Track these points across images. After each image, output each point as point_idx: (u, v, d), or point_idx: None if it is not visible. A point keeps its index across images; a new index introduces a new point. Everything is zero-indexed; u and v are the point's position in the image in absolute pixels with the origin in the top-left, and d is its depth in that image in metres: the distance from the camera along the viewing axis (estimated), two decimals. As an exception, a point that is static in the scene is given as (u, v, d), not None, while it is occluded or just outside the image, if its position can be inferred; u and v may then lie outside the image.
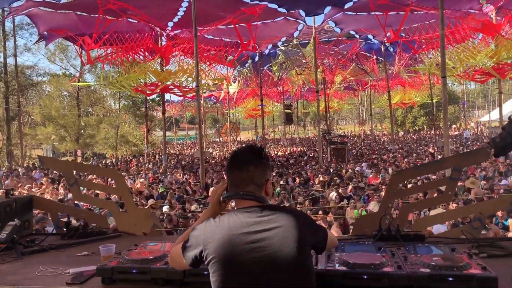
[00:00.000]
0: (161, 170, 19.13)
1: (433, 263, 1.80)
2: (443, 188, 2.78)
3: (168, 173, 17.76)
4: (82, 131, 32.26)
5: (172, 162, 23.79)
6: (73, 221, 3.37)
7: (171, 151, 34.63)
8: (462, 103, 47.41)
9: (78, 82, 28.91)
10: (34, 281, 2.14)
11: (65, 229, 2.98)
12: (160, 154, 26.60)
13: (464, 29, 18.55)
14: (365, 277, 1.78)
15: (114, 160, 28.33)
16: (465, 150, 21.71)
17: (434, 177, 9.48)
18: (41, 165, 18.21)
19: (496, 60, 16.60)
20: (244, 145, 1.72)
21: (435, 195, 6.77)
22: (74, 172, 3.26)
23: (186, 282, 1.96)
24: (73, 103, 33.03)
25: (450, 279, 1.72)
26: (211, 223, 1.58)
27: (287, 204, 9.93)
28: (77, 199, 3.45)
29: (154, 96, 30.75)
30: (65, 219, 3.03)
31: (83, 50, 19.16)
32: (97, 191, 8.76)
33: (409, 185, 8.82)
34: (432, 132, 36.18)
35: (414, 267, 1.81)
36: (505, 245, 2.33)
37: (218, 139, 49.55)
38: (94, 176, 12.21)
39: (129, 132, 36.73)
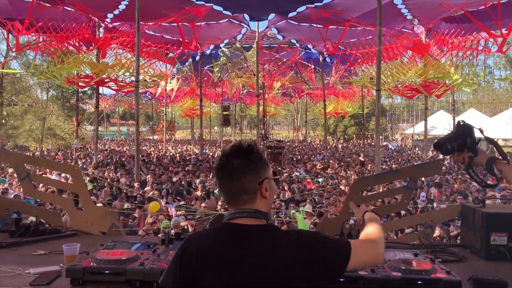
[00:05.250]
0: (91, 166, 18.32)
1: (403, 267, 1.93)
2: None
3: (99, 170, 17.08)
4: (3, 121, 29.96)
5: (103, 159, 22.87)
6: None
7: (101, 148, 33.26)
8: (389, 115, 50.19)
9: (3, 68, 26.81)
10: (-9, 282, 1.99)
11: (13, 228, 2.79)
12: (91, 150, 25.42)
13: (398, 46, 19.77)
14: (342, 280, 1.86)
15: (39, 153, 26.67)
16: (391, 161, 23.18)
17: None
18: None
19: (424, 78, 17.84)
20: (231, 147, 1.53)
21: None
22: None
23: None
24: (-6, 91, 30.58)
25: (419, 282, 1.85)
26: None
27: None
28: (28, 195, 3.23)
29: (85, 88, 29.44)
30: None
31: (10, 35, 17.89)
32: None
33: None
34: (361, 141, 37.96)
35: (386, 271, 1.93)
36: (455, 251, 2.54)
37: (151, 137, 48.28)
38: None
39: (57, 124, 34.65)
